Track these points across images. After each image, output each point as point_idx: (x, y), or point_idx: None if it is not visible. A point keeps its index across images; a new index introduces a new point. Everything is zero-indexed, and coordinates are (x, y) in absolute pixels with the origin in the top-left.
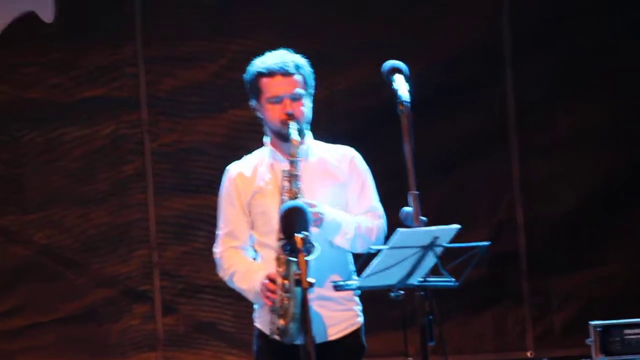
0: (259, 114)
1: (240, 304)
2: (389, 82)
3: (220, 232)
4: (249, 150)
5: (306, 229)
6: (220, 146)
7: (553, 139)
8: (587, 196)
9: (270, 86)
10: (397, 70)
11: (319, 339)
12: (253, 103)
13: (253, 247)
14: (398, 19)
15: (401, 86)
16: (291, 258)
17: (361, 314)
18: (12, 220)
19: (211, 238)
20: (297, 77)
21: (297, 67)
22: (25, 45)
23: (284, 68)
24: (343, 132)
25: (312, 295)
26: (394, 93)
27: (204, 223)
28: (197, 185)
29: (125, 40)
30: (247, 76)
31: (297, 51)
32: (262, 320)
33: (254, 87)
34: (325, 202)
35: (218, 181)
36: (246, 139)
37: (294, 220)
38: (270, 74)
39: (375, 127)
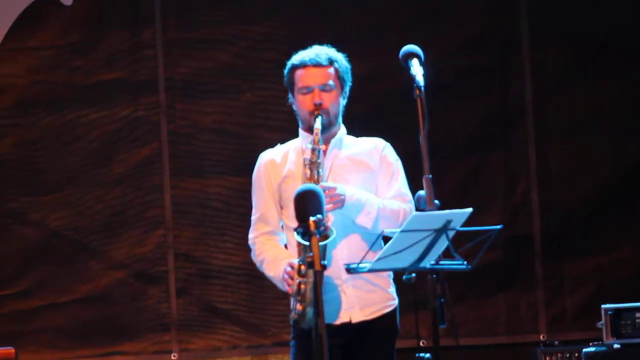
0: (294, 107)
1: (253, 286)
2: (406, 67)
3: (253, 217)
4: (266, 131)
5: (319, 212)
6: (237, 128)
7: (570, 124)
8: (603, 181)
9: (302, 77)
10: (414, 55)
11: (354, 319)
12: (290, 97)
13: (284, 231)
14: (414, 3)
15: (417, 71)
16: (302, 241)
17: (396, 296)
18: (29, 202)
19: (226, 220)
20: (330, 70)
21: (331, 60)
22: (44, 28)
23: (315, 60)
24: (358, 117)
25: (346, 276)
26: (411, 78)
27: (220, 204)
28: (213, 167)
29: (144, 23)
30: (285, 71)
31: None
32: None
33: (289, 81)
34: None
35: (234, 163)
36: (263, 119)
37: (306, 204)
38: (303, 65)
39: (391, 112)
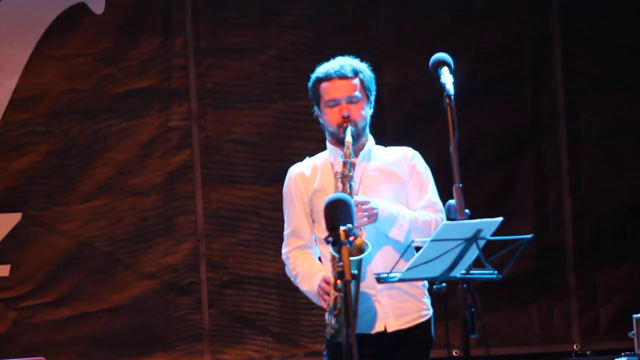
0: (320, 120)
1: (286, 296)
2: (436, 75)
3: (286, 231)
4: (297, 141)
5: (350, 221)
6: (269, 137)
7: (602, 131)
8: (635, 188)
9: (328, 90)
10: (444, 63)
11: (389, 328)
12: (315, 110)
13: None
14: (446, 11)
15: (447, 79)
16: (334, 253)
17: (430, 307)
18: (60, 211)
19: (258, 229)
20: (355, 81)
21: (355, 71)
22: (75, 36)
23: (340, 72)
24: (390, 126)
25: (381, 286)
26: (441, 86)
27: (251, 214)
28: (245, 176)
29: (175, 31)
30: (309, 84)
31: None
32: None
33: (315, 94)
34: (387, 200)
35: (265, 172)
36: (294, 129)
37: (336, 213)
38: (328, 78)
39: (422, 120)
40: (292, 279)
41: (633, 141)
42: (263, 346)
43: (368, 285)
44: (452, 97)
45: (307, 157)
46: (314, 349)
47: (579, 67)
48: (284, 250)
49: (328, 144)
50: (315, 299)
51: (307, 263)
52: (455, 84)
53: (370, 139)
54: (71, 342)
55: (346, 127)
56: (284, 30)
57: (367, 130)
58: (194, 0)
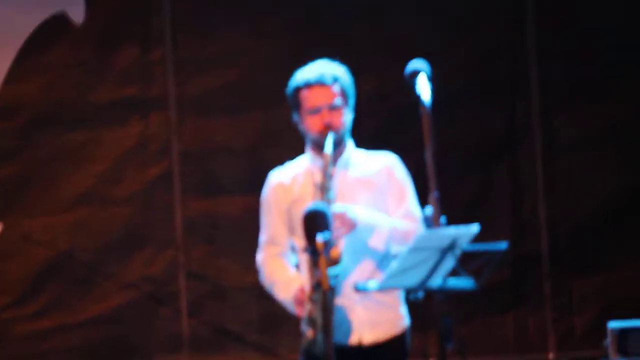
0: (300, 127)
1: (265, 305)
2: (412, 84)
3: (261, 238)
4: (276, 150)
5: (327, 231)
6: (247, 146)
7: (577, 138)
8: (610, 197)
9: (309, 98)
10: (420, 71)
11: (364, 340)
12: (295, 116)
13: (296, 253)
14: (422, 19)
15: (423, 87)
16: (311, 263)
17: (407, 316)
18: (39, 221)
19: (236, 238)
20: (335, 88)
21: (335, 77)
22: (55, 46)
23: (321, 79)
24: (367, 134)
25: (356, 297)
26: (416, 95)
27: (230, 223)
28: (223, 185)
29: (154, 40)
30: (288, 90)
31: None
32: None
33: (294, 101)
34: (366, 208)
35: (244, 181)
36: (273, 138)
37: (314, 224)
38: (308, 85)
39: (399, 129)
40: (266, 286)
41: (607, 150)
42: (242, 356)
43: (345, 297)
44: (428, 105)
45: (287, 162)
46: (293, 358)
47: (555, 76)
48: (259, 256)
49: (309, 150)
50: (291, 308)
51: (284, 271)
52: (432, 89)
53: (350, 144)
54: (51, 353)
55: (327, 136)
56: (262, 40)
57: (348, 135)
58: (173, 10)
